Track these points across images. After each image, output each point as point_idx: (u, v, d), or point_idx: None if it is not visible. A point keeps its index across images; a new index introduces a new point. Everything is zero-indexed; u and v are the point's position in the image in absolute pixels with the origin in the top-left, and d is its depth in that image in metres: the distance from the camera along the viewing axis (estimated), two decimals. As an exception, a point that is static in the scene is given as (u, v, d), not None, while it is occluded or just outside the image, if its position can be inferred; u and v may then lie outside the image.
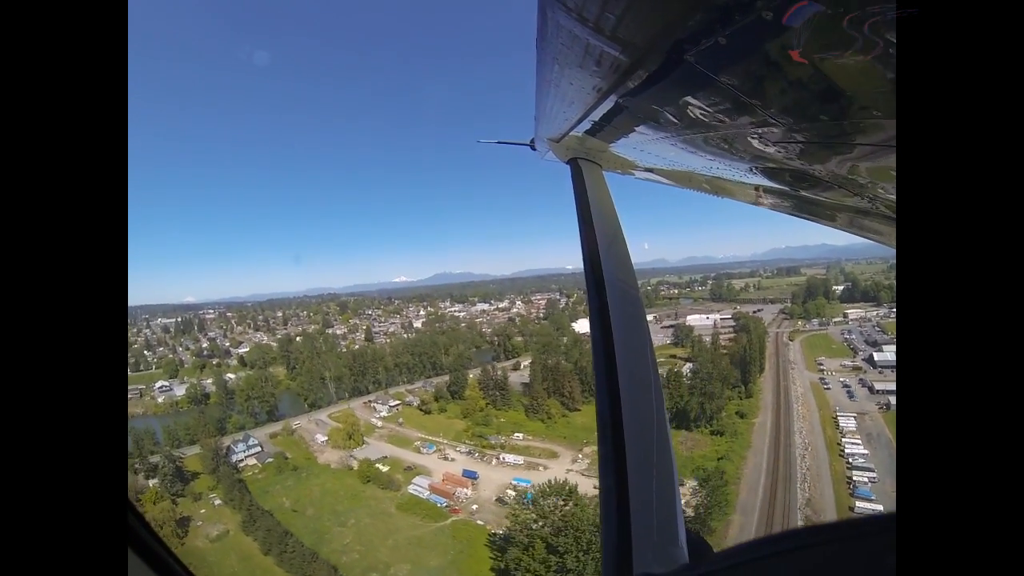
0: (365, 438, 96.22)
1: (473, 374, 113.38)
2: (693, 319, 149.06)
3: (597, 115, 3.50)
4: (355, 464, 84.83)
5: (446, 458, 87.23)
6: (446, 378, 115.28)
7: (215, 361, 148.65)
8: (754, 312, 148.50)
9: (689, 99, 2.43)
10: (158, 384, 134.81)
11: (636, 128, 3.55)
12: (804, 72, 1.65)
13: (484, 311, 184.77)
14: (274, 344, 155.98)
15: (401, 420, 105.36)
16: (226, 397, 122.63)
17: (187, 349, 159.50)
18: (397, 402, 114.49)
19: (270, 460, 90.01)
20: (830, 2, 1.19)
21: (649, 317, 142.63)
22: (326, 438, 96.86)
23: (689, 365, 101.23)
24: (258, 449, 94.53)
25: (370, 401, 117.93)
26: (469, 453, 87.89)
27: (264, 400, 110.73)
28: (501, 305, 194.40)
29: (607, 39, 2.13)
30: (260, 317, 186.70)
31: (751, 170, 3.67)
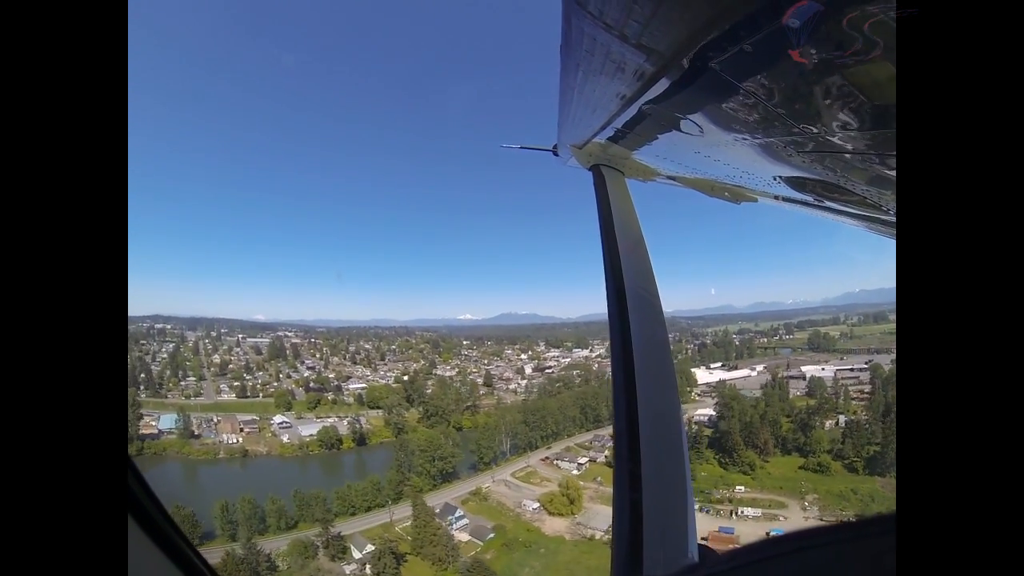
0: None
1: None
2: (809, 370, 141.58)
3: (620, 122, 3.46)
4: (595, 534, 73.65)
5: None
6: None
7: (329, 396, 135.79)
8: (867, 363, 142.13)
9: (713, 107, 2.48)
10: (277, 420, 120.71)
11: (659, 136, 3.54)
12: (833, 80, 1.63)
13: (587, 357, 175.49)
14: (386, 382, 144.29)
15: (599, 478, 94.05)
16: (356, 442, 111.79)
17: (288, 377, 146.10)
18: (585, 459, 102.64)
19: (491, 536, 78.61)
20: (856, 9, 1.16)
21: (759, 367, 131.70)
22: (537, 503, 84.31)
23: (843, 417, 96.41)
24: (465, 521, 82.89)
25: (549, 457, 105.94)
26: (701, 510, 78.29)
27: (446, 460, 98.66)
28: (598, 351, 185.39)
29: (631, 46, 2.14)
30: (350, 347, 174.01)
31: (775, 179, 3.65)
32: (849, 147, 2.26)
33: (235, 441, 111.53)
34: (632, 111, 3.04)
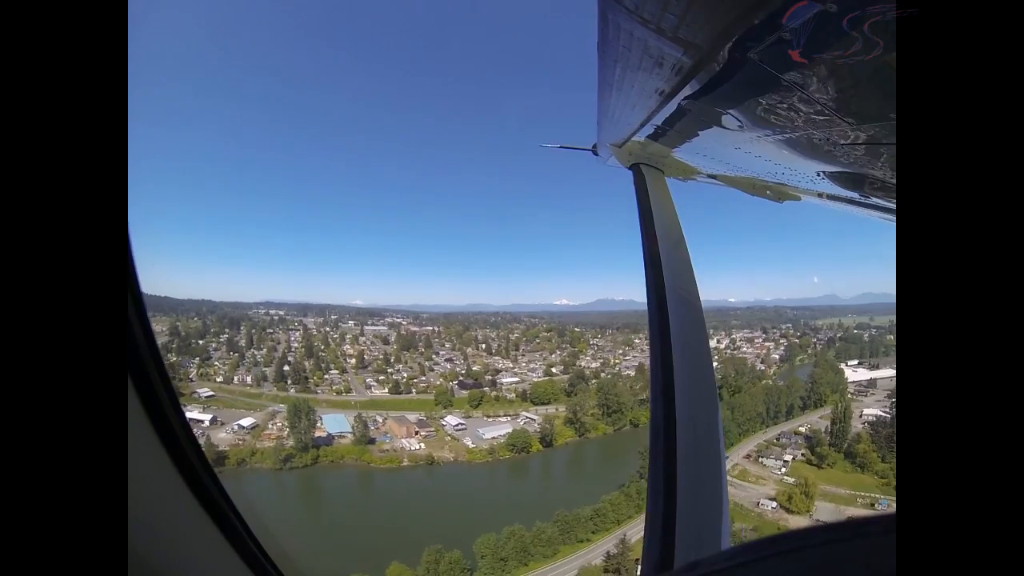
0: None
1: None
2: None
3: (659, 119, 3.46)
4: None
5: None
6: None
7: (492, 393, 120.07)
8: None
9: (753, 100, 2.43)
10: (452, 421, 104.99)
11: (699, 132, 3.51)
12: (881, 73, 1.57)
13: (716, 349, 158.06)
14: (537, 376, 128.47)
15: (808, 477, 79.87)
16: (543, 443, 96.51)
17: (430, 371, 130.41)
18: (789, 456, 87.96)
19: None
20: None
21: None
22: (774, 502, 75.88)
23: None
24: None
25: (751, 455, 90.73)
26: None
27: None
28: (724, 342, 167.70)
29: (668, 40, 2.12)
30: (476, 335, 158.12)
31: (818, 175, 3.60)
32: (887, 139, 2.16)
33: (417, 447, 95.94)
34: (671, 107, 2.99)
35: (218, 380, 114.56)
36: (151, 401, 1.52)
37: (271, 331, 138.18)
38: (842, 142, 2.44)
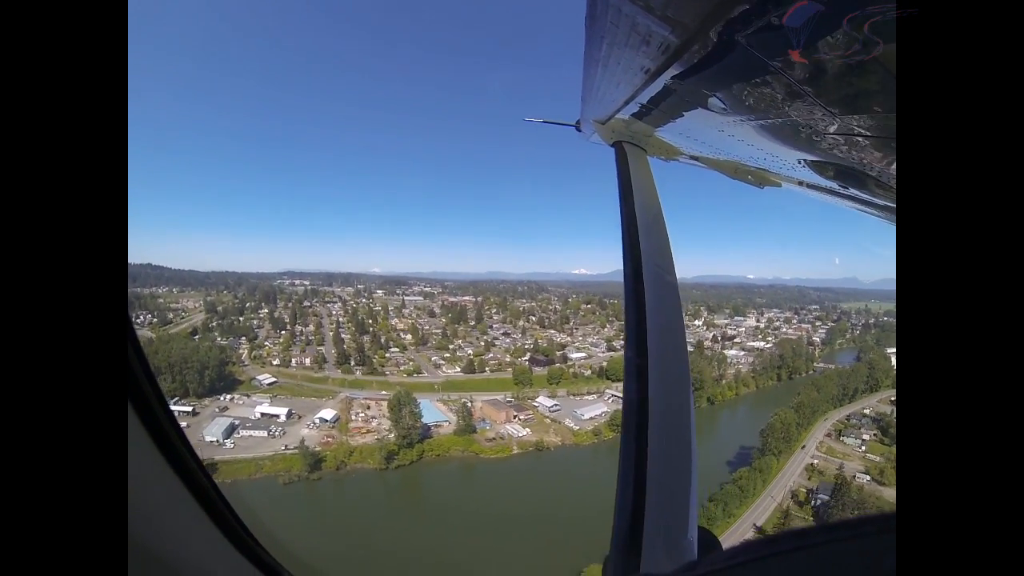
0: None
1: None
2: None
3: (644, 97, 3.43)
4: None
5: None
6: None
7: (570, 370, 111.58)
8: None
9: (740, 84, 2.44)
10: (548, 403, 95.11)
11: (684, 113, 3.51)
12: (871, 69, 1.60)
13: (757, 328, 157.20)
14: (601, 351, 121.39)
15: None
16: None
17: (492, 345, 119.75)
18: (867, 436, 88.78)
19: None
20: None
21: None
22: (867, 476, 75.35)
23: None
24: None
25: (831, 434, 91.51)
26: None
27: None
28: (762, 321, 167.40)
29: (657, 17, 2.13)
30: (519, 306, 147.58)
31: (799, 163, 3.63)
32: (872, 134, 2.20)
33: (522, 432, 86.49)
34: (657, 86, 2.97)
35: (274, 363, 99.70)
36: (140, 399, 1.48)
37: (308, 304, 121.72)
38: (824, 133, 2.45)
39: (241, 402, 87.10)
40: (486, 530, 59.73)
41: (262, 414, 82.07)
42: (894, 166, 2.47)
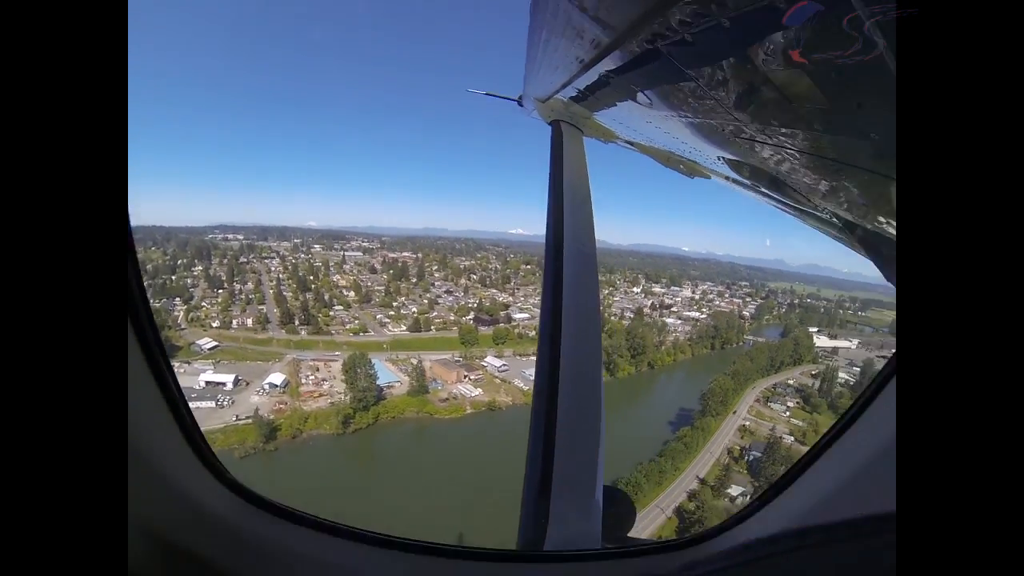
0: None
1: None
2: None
3: (581, 84, 3.59)
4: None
5: None
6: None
7: (515, 330, 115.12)
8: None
9: (663, 84, 2.58)
10: (497, 363, 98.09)
11: (616, 103, 3.71)
12: (770, 75, 1.67)
13: (692, 299, 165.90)
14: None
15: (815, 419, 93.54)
16: None
17: (435, 303, 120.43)
18: (791, 403, 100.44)
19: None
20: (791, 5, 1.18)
21: (854, 342, 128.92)
22: (791, 437, 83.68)
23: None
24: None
25: (759, 400, 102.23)
26: None
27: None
28: (697, 292, 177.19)
29: (590, 17, 2.27)
30: (459, 264, 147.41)
31: (718, 159, 3.90)
32: (782, 142, 2.32)
33: (474, 392, 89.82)
34: (591, 76, 3.08)
35: (214, 326, 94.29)
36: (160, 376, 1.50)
37: (244, 260, 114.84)
38: (737, 134, 2.55)
39: (183, 371, 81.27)
40: (452, 491, 63.02)
41: (207, 383, 78.25)
42: (805, 169, 2.63)
